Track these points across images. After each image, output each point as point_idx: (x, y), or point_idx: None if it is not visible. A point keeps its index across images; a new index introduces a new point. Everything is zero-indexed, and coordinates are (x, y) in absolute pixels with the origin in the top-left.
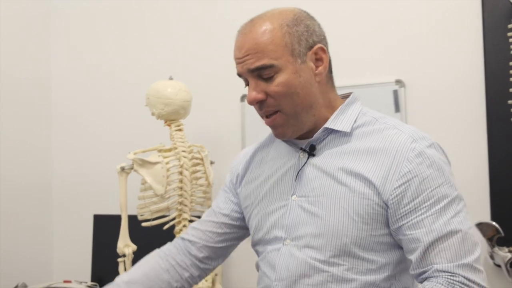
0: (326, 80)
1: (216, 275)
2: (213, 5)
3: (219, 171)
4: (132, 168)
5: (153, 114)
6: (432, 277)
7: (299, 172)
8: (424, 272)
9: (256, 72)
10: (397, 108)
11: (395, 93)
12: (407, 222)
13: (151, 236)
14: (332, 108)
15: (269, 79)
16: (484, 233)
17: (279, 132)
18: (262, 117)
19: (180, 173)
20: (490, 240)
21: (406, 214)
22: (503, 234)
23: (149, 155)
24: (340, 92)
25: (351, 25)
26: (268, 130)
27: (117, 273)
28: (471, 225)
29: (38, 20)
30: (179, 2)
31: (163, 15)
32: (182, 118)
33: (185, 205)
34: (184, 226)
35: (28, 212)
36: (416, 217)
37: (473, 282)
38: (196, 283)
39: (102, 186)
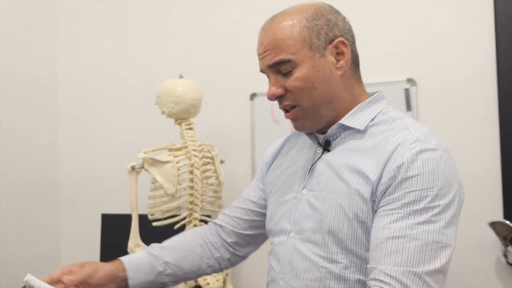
0: (350, 74)
1: (227, 275)
2: (222, 4)
3: (228, 170)
4: (142, 167)
5: (163, 112)
6: (371, 280)
7: (312, 166)
8: (371, 270)
9: (275, 68)
10: (408, 107)
11: (407, 91)
12: (378, 213)
13: (161, 235)
14: (356, 103)
15: (287, 74)
16: (497, 232)
17: (299, 124)
18: (283, 110)
19: (191, 172)
20: (504, 239)
21: (382, 206)
22: None
23: (159, 154)
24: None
25: (362, 24)
26: (281, 128)
27: None
28: (447, 243)
29: (43, 18)
30: (187, 1)
31: (171, 14)
32: (193, 117)
33: (196, 205)
34: (195, 225)
35: (35, 211)
36: (386, 210)
37: None
38: (227, 267)
39: (110, 185)
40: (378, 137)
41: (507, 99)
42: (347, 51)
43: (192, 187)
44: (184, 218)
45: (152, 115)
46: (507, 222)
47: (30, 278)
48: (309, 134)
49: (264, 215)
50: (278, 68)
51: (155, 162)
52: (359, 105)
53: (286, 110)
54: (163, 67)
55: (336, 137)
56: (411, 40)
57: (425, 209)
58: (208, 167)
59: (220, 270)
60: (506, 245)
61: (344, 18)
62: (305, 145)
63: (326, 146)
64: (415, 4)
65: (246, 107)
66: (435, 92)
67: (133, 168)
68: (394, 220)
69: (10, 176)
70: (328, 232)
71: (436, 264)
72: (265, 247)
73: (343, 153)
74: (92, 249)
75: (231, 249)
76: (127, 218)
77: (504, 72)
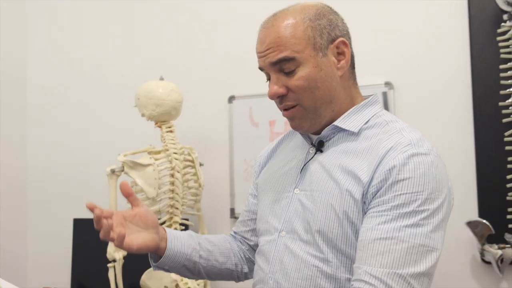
0: (348, 75)
1: None
2: (201, 5)
3: (207, 173)
4: (122, 171)
5: (143, 115)
6: (355, 281)
7: (304, 166)
8: (356, 270)
9: (278, 66)
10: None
11: (384, 95)
12: (367, 214)
13: None
14: (352, 105)
15: (290, 73)
16: (474, 231)
17: (296, 124)
18: (281, 110)
19: (172, 175)
20: (480, 238)
21: (372, 208)
22: (494, 232)
23: (139, 157)
24: None
25: None
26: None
27: (99, 280)
28: (433, 247)
29: (14, 13)
30: (168, 2)
31: (152, 15)
32: (173, 119)
33: (177, 208)
34: (175, 229)
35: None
36: (375, 212)
37: None
38: (245, 273)
39: (82, 188)
40: (371, 140)
41: (481, 103)
42: (347, 51)
43: (173, 191)
44: (164, 222)
45: (131, 117)
46: (484, 221)
47: None
48: (303, 134)
49: None
50: (281, 66)
51: (135, 165)
52: (354, 107)
53: (284, 109)
54: (143, 69)
55: (330, 138)
56: (389, 43)
57: (414, 213)
58: (188, 170)
59: (239, 274)
60: (482, 244)
61: (342, 20)
62: (297, 145)
63: (319, 147)
64: (392, 8)
65: (224, 110)
66: (413, 95)
67: (113, 171)
68: (382, 221)
69: None
70: (318, 232)
71: (422, 267)
72: None
73: (336, 154)
74: (63, 255)
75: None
76: None
77: (478, 76)
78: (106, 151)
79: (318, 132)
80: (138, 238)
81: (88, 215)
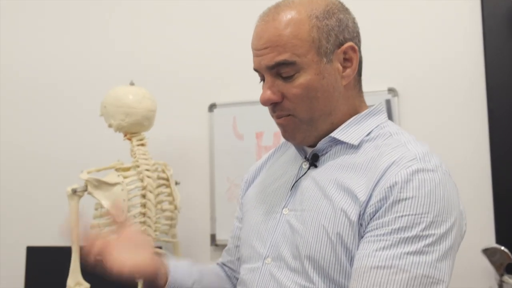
0: (353, 84)
1: None
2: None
3: (184, 193)
4: (85, 190)
5: (110, 125)
6: None
7: (295, 183)
8: None
9: (275, 69)
10: (389, 120)
11: (388, 102)
12: (364, 238)
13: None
14: None
15: (288, 78)
16: (491, 260)
17: (288, 134)
18: (272, 117)
19: (143, 196)
20: (499, 267)
21: (370, 231)
22: None
23: (105, 174)
24: None
25: None
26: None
27: None
28: (439, 278)
29: None
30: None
31: (120, 11)
32: (145, 131)
33: (149, 234)
34: None
35: None
36: (373, 235)
37: None
38: None
39: (38, 211)
40: (372, 153)
41: (498, 113)
42: (355, 58)
43: (144, 214)
44: None
45: (96, 128)
46: (502, 248)
47: None
48: (297, 146)
49: None
50: (278, 70)
51: (101, 184)
52: (354, 117)
53: (277, 117)
54: (110, 72)
55: (326, 152)
56: (393, 45)
57: (418, 238)
58: (162, 189)
59: None
60: (501, 274)
61: (354, 19)
62: (290, 159)
63: (314, 161)
64: (398, 10)
65: (204, 120)
66: (419, 103)
67: (74, 191)
68: (381, 247)
69: None
70: (307, 258)
71: None
72: None
73: (332, 170)
74: (13, 287)
75: None
76: (59, 251)
77: (493, 82)
78: (67, 168)
79: (313, 145)
80: (131, 259)
81: (43, 242)
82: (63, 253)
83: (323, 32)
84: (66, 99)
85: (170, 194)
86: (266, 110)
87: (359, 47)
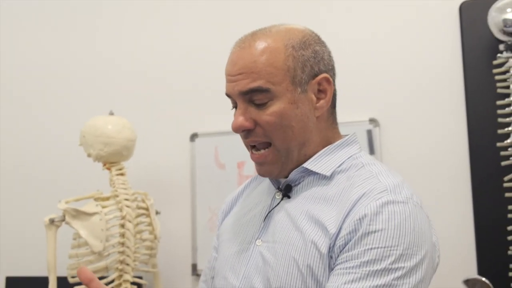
0: (327, 116)
1: None
2: (162, 30)
3: (165, 223)
4: (63, 220)
5: (89, 155)
6: None
7: (268, 214)
8: None
9: (248, 96)
10: (371, 150)
11: (369, 133)
12: (334, 271)
13: None
14: None
15: (261, 105)
16: None
17: (265, 169)
18: (247, 147)
19: (122, 225)
20: None
21: (339, 264)
22: None
23: (84, 204)
24: None
25: None
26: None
27: None
28: None
29: None
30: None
31: (99, 39)
32: (125, 160)
33: (127, 264)
34: None
35: None
36: (342, 268)
37: None
38: None
39: (16, 241)
40: (344, 184)
41: (478, 144)
42: (330, 89)
43: (123, 244)
44: (112, 281)
45: (75, 158)
46: (483, 279)
47: None
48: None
49: None
50: (251, 96)
51: (79, 214)
52: (326, 147)
53: (253, 147)
54: (90, 102)
55: (299, 183)
56: (374, 75)
57: (387, 271)
58: (142, 219)
59: None
60: None
61: (329, 52)
62: (264, 189)
63: (287, 192)
64: (379, 40)
65: (185, 149)
66: (400, 133)
67: (51, 221)
68: (350, 280)
69: None
70: None
71: None
72: None
73: (304, 201)
74: None
75: None
76: (39, 281)
77: (473, 113)
78: (44, 197)
79: (286, 175)
80: None
81: (23, 273)
82: (42, 283)
83: (298, 61)
84: (45, 128)
85: (150, 224)
86: None
87: (334, 80)
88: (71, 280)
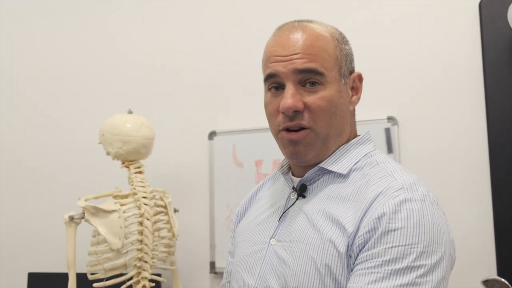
0: (353, 112)
1: None
2: (180, 29)
3: (183, 221)
4: (82, 218)
5: (108, 153)
6: None
7: (283, 214)
8: None
9: (301, 75)
10: (389, 149)
11: (387, 131)
12: (355, 271)
13: None
14: None
15: (311, 89)
16: None
17: (300, 150)
18: (279, 131)
19: (141, 223)
20: None
21: (360, 263)
22: None
23: (103, 202)
24: None
25: None
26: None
27: None
28: None
29: None
30: (139, 23)
31: (119, 39)
32: (143, 159)
33: (145, 262)
34: (144, 286)
35: None
36: (364, 268)
37: None
38: None
39: (38, 238)
40: (359, 182)
41: (498, 142)
42: (361, 87)
43: (141, 241)
44: (131, 278)
45: (95, 156)
46: (502, 279)
47: None
48: (285, 176)
49: None
50: (304, 77)
51: (98, 212)
52: (342, 146)
53: (289, 130)
54: (109, 100)
55: (314, 182)
56: (393, 73)
57: (409, 269)
58: (160, 217)
59: None
60: None
61: None
62: (278, 190)
63: (302, 192)
64: (397, 38)
65: (204, 148)
66: (419, 131)
67: (71, 218)
68: (373, 280)
69: None
70: None
71: None
72: None
73: (320, 200)
74: None
75: None
76: (60, 277)
77: (493, 110)
78: (65, 195)
79: (301, 174)
80: None
81: (45, 268)
82: (62, 279)
83: (343, 54)
84: (65, 128)
85: (168, 222)
86: (265, 138)
87: None
88: (90, 277)
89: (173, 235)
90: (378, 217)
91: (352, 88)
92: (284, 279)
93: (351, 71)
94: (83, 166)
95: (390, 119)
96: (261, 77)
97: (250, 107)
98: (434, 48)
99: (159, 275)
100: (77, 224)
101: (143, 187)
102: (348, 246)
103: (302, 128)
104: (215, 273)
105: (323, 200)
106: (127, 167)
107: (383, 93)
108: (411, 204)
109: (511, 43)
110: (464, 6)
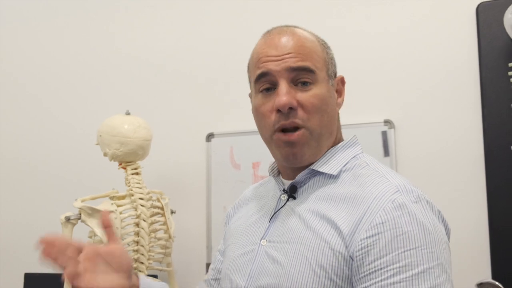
0: (339, 117)
1: None
2: (177, 29)
3: (180, 222)
4: (79, 218)
5: (105, 154)
6: None
7: (274, 215)
8: None
9: (294, 73)
10: (386, 152)
11: (384, 134)
12: (368, 285)
13: None
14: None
15: (303, 88)
16: None
17: (297, 151)
18: (274, 131)
19: (137, 224)
20: None
21: (368, 274)
22: None
23: (99, 203)
24: None
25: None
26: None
27: None
28: None
29: None
30: (137, 24)
31: (117, 40)
32: (140, 160)
33: (142, 263)
34: None
35: None
36: (379, 281)
37: None
38: None
39: (34, 239)
40: (351, 183)
41: (493, 146)
42: (343, 91)
43: (137, 242)
44: None
45: (92, 157)
46: (497, 283)
47: None
48: (276, 178)
49: None
50: (297, 75)
51: (94, 212)
52: (331, 148)
53: (285, 130)
54: (107, 101)
55: (304, 183)
56: (389, 76)
57: (425, 272)
58: (157, 218)
59: None
60: None
61: None
62: (269, 192)
63: (292, 193)
64: (394, 41)
65: (201, 149)
66: (415, 134)
67: (67, 219)
68: None
69: None
70: None
71: None
72: None
73: (312, 201)
74: None
75: None
76: (56, 278)
77: (489, 115)
78: (61, 196)
79: (291, 176)
80: (105, 280)
81: (41, 269)
82: (58, 280)
83: (329, 57)
84: (62, 128)
85: (164, 223)
86: (263, 140)
87: None
88: None
89: (170, 237)
90: (382, 222)
91: (336, 91)
92: (276, 279)
93: (335, 74)
94: (80, 167)
95: (387, 122)
96: None
97: (247, 109)
98: (431, 52)
99: (155, 276)
100: (74, 225)
101: (140, 188)
102: (346, 247)
103: (297, 128)
104: None
105: (314, 201)
106: (124, 168)
107: (380, 96)
108: (411, 207)
109: (508, 48)
110: (461, 11)
